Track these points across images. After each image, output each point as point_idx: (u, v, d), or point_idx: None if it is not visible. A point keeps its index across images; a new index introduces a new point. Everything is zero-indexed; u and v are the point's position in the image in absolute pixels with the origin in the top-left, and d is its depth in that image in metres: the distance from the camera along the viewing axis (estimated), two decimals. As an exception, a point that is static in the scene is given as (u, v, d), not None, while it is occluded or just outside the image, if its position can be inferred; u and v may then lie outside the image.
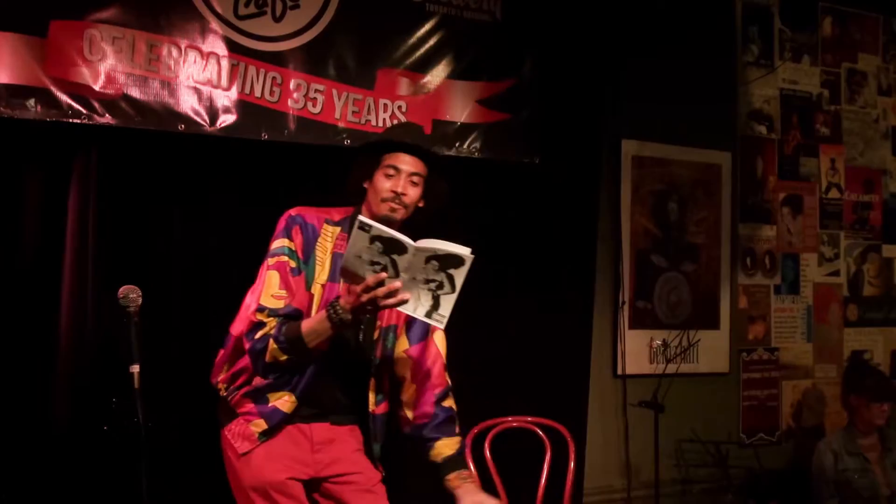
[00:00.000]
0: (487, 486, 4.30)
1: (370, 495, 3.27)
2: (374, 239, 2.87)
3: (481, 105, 4.76)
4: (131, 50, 3.99)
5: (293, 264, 3.12)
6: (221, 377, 3.24)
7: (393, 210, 3.16)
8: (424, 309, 3.02)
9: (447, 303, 3.03)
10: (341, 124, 4.41)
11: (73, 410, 3.92)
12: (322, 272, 3.15)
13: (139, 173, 4.08)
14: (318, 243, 3.17)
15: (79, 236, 3.97)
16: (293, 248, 3.14)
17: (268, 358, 3.06)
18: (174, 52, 4.08)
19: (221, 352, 3.27)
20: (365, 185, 3.22)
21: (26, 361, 3.89)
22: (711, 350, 5.78)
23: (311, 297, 3.14)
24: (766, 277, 6.09)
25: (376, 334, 3.26)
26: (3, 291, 3.85)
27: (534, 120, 4.89)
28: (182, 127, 4.10)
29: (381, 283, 2.90)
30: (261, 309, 3.08)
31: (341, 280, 3.05)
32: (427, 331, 3.38)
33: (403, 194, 3.16)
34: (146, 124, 4.03)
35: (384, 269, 2.91)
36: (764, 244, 6.07)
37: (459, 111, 4.72)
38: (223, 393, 3.23)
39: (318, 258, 3.16)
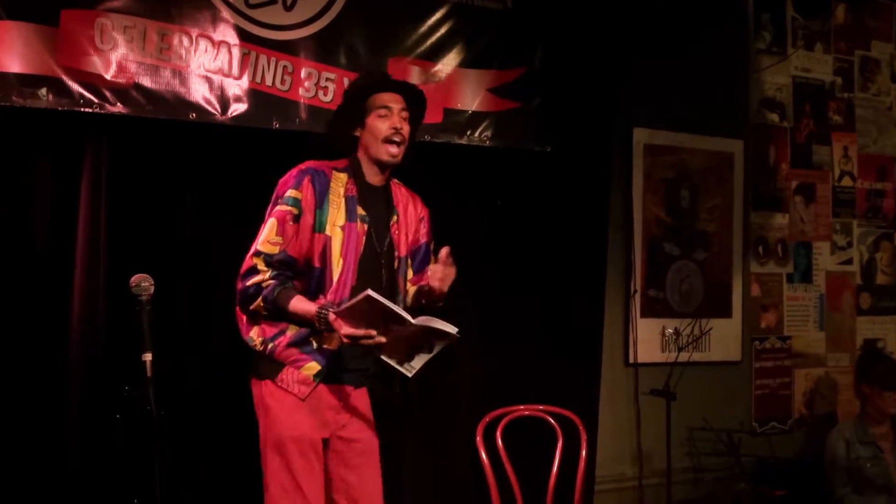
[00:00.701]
0: (499, 475, 4.31)
1: (367, 457, 3.51)
2: (376, 309, 3.10)
3: (492, 93, 4.75)
4: (142, 39, 4.00)
5: (295, 212, 3.32)
6: (254, 333, 3.37)
7: (393, 155, 3.42)
8: (396, 360, 3.29)
9: (420, 360, 3.32)
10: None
11: (86, 399, 3.93)
12: (339, 214, 3.36)
13: (150, 162, 4.08)
14: (330, 188, 3.35)
15: (90, 225, 3.98)
16: (298, 198, 3.32)
17: (252, 307, 3.31)
18: (185, 41, 4.08)
19: (238, 308, 3.41)
20: (357, 133, 3.44)
21: (39, 350, 3.91)
22: (723, 338, 5.77)
23: (329, 238, 3.33)
24: (778, 266, 6.07)
25: (396, 264, 3.53)
26: (16, 281, 3.86)
27: (545, 108, 4.88)
28: (193, 116, 4.10)
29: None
30: (257, 253, 3.30)
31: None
32: (428, 261, 3.64)
33: (400, 129, 3.41)
34: (157, 113, 4.04)
35: (376, 326, 3.15)
36: (776, 232, 6.05)
37: (470, 99, 4.71)
38: (259, 348, 3.36)
39: (332, 201, 3.36)
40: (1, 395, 3.79)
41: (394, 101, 3.43)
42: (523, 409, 4.50)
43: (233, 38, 4.16)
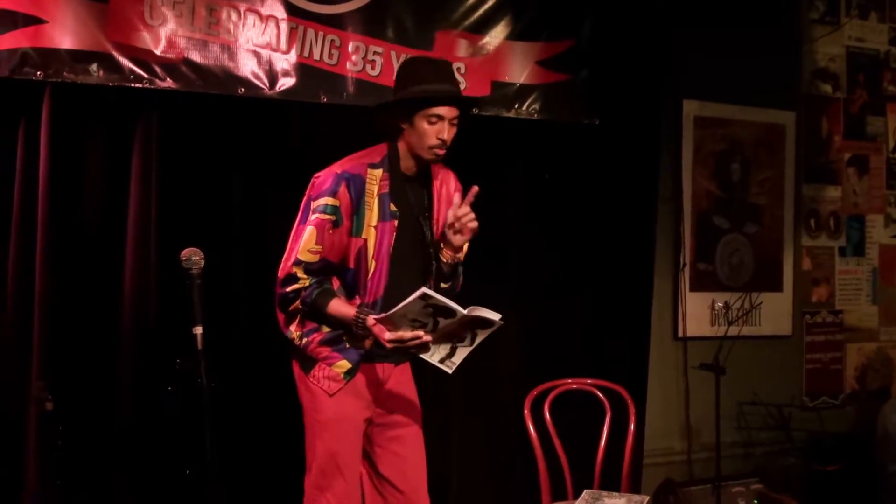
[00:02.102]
0: (547, 449, 4.32)
1: (411, 431, 3.55)
2: (428, 306, 3.10)
3: (540, 66, 4.73)
4: (191, 14, 4.02)
5: (333, 219, 3.29)
6: (293, 327, 3.38)
7: (438, 156, 3.35)
8: (439, 356, 3.31)
9: (461, 354, 3.33)
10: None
11: (138, 371, 3.99)
12: (372, 215, 3.32)
13: (200, 136, 4.11)
14: (366, 190, 3.32)
15: (141, 200, 4.02)
16: (337, 206, 3.29)
17: (291, 308, 3.32)
18: (234, 16, 4.09)
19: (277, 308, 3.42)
20: (403, 126, 3.36)
21: (93, 324, 3.96)
22: (774, 312, 5.73)
23: (364, 241, 3.31)
24: (830, 239, 6.00)
25: (432, 249, 3.48)
26: (70, 256, 3.91)
27: (593, 80, 4.84)
28: (242, 90, 4.12)
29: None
30: (297, 262, 3.27)
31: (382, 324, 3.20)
32: None
33: (447, 140, 3.32)
34: (206, 88, 4.06)
35: (423, 325, 3.15)
36: (828, 205, 5.99)
37: (518, 72, 4.68)
38: (298, 343, 3.37)
39: (367, 203, 3.32)
40: (56, 369, 3.85)
41: (448, 111, 3.32)
42: (571, 383, 4.49)
43: (280, 12, 4.17)
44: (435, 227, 3.48)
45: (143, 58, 3.94)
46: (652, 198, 5.15)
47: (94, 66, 3.86)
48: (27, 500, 3.85)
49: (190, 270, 3.02)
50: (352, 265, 3.33)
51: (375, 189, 3.33)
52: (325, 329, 3.33)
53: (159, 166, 4.05)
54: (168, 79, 3.98)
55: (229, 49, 4.09)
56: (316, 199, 3.31)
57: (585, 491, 4.14)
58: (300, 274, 3.27)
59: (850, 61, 6.04)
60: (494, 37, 4.62)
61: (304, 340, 3.35)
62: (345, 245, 3.31)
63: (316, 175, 3.38)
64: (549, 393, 4.42)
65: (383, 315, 3.15)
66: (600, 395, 4.42)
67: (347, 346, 3.33)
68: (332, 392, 3.34)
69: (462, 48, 4.54)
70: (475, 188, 3.37)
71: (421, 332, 3.15)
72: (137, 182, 4.02)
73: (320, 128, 4.30)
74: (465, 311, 3.12)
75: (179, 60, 4.00)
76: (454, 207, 3.38)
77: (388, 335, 3.14)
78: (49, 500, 3.83)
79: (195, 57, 4.03)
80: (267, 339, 3.98)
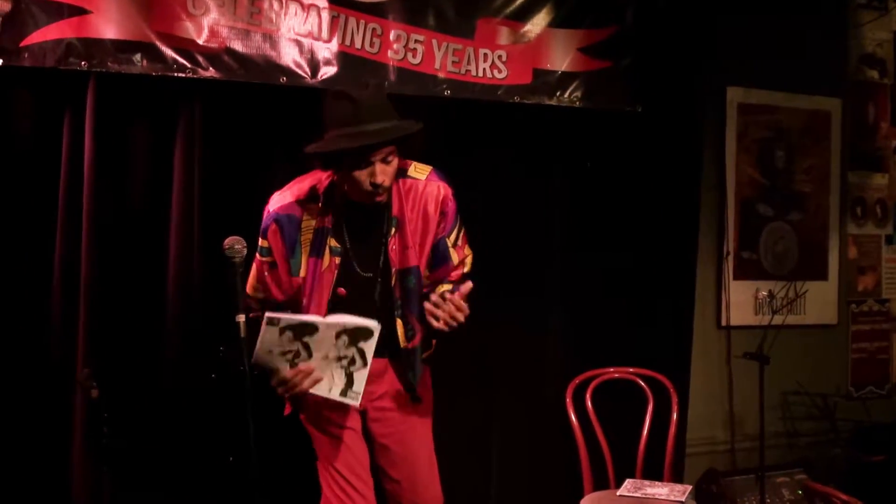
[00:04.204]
0: (589, 437, 4.31)
1: (408, 424, 3.42)
2: (283, 330, 2.99)
3: (582, 53, 4.70)
4: (233, 3, 4.03)
5: (269, 261, 3.26)
6: None
7: (379, 199, 3.14)
8: (339, 388, 3.14)
9: (360, 378, 3.13)
10: (441, 75, 4.40)
11: (182, 359, 4.02)
12: (306, 251, 3.24)
13: (242, 125, 4.13)
14: (301, 229, 3.22)
15: (184, 189, 4.04)
16: (269, 248, 3.25)
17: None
18: (275, 5, 4.11)
19: None
20: (333, 170, 3.19)
21: (137, 312, 4.00)
22: (819, 301, 5.67)
23: (303, 279, 3.24)
24: (876, 227, 5.93)
25: (393, 281, 3.28)
26: (114, 244, 3.95)
27: (636, 67, 4.81)
28: (284, 79, 4.13)
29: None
30: (247, 295, 3.28)
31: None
32: (446, 257, 3.42)
33: (382, 182, 3.10)
34: (249, 77, 4.08)
35: (297, 355, 3.04)
36: (875, 193, 5.91)
37: (560, 60, 4.66)
38: None
39: (302, 241, 3.23)
40: (102, 357, 3.89)
41: (376, 154, 3.07)
42: (613, 372, 4.47)
43: (322, 0, 4.17)
44: (403, 254, 3.28)
45: (186, 47, 3.96)
46: (695, 186, 5.11)
47: (137, 56, 3.89)
48: (74, 487, 3.90)
49: (233, 259, 3.03)
50: (303, 302, 3.26)
51: (313, 223, 3.22)
52: None
53: (202, 155, 4.07)
54: (210, 68, 4.01)
55: (271, 38, 4.10)
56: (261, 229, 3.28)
57: (628, 480, 4.14)
58: (254, 305, 3.28)
59: (897, 46, 5.97)
60: (536, 24, 4.60)
61: None
62: (288, 285, 3.26)
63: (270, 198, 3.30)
64: (590, 382, 4.41)
65: (254, 363, 3.01)
66: (642, 383, 4.41)
67: None
68: (286, 413, 3.36)
69: (503, 36, 4.52)
70: (467, 286, 3.17)
71: (302, 366, 3.05)
72: (180, 171, 4.05)
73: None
74: (323, 319, 3.04)
75: (222, 50, 4.02)
76: (432, 305, 3.12)
77: (274, 384, 3.09)
78: (95, 487, 3.87)
79: (237, 46, 4.04)
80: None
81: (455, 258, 3.42)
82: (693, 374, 5.12)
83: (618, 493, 4.03)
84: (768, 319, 5.31)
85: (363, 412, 3.37)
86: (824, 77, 5.67)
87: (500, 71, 4.50)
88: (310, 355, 3.06)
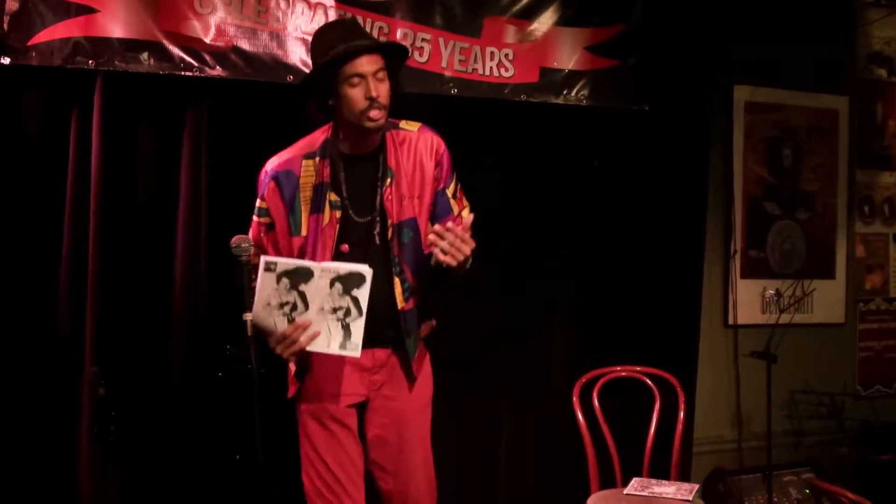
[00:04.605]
0: (596, 436, 4.31)
1: (408, 415, 3.36)
2: (280, 276, 2.97)
3: (589, 51, 4.69)
4: (240, 2, 4.04)
5: (267, 222, 3.23)
6: None
7: (374, 119, 3.09)
8: (337, 342, 3.06)
9: (357, 329, 3.05)
10: (448, 73, 4.40)
11: (189, 357, 4.02)
12: (306, 208, 3.20)
13: (249, 124, 4.13)
14: (300, 185, 3.19)
15: (192, 186, 4.05)
16: (267, 208, 3.22)
17: None
18: (282, 4, 4.11)
19: None
20: (331, 103, 3.16)
21: (144, 311, 4.01)
22: (827, 300, 5.67)
23: (303, 239, 3.19)
24: (884, 226, 5.92)
25: (389, 233, 3.24)
26: (121, 242, 3.95)
27: (643, 66, 4.80)
28: (291, 78, 4.13)
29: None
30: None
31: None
32: (448, 209, 3.35)
33: (378, 96, 3.07)
34: (256, 76, 4.08)
35: (294, 307, 3.00)
36: (883, 191, 5.90)
37: (567, 58, 4.65)
38: None
39: (301, 199, 3.20)
40: (109, 355, 3.89)
41: (368, 65, 3.05)
42: (620, 370, 4.47)
43: (329, -1, 4.19)
44: (400, 206, 3.23)
45: (193, 46, 3.97)
46: (702, 184, 5.11)
47: (144, 55, 3.89)
48: (82, 485, 3.91)
49: (240, 257, 3.03)
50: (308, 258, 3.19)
51: (311, 180, 3.18)
52: None
53: (209, 153, 4.08)
54: (217, 67, 4.01)
55: (278, 37, 4.11)
56: (258, 193, 3.25)
57: (634, 479, 4.14)
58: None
59: (905, 45, 5.95)
60: (543, 23, 4.59)
61: None
62: (287, 246, 3.21)
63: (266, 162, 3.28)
64: (597, 380, 4.41)
65: (253, 323, 2.97)
66: (649, 382, 4.41)
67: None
68: (289, 397, 3.30)
69: (510, 34, 4.52)
70: (469, 219, 3.09)
71: (299, 321, 2.99)
72: (188, 169, 4.05)
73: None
74: (318, 264, 3.00)
75: (229, 48, 4.02)
76: (436, 234, 3.04)
77: (272, 343, 3.01)
78: (102, 484, 3.88)
79: (244, 45, 4.05)
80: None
81: (456, 209, 3.36)
82: (700, 372, 5.11)
83: (625, 492, 4.03)
84: (776, 318, 5.30)
85: (362, 404, 3.33)
86: (832, 75, 5.66)
87: (506, 69, 4.50)
88: (306, 307, 3.01)
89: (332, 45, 3.09)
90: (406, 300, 3.27)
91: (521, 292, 4.65)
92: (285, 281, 2.99)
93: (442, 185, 3.33)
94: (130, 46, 3.87)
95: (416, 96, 4.18)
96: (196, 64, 3.97)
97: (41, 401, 3.86)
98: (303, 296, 3.01)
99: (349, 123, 3.14)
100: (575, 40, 4.66)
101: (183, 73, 3.96)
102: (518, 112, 4.57)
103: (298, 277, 3.00)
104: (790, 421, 5.59)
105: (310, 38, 4.06)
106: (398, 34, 4.29)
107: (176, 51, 3.94)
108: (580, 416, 4.33)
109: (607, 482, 4.31)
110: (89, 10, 3.82)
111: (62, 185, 3.89)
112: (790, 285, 5.42)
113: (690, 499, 3.90)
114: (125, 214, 3.98)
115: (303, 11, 4.14)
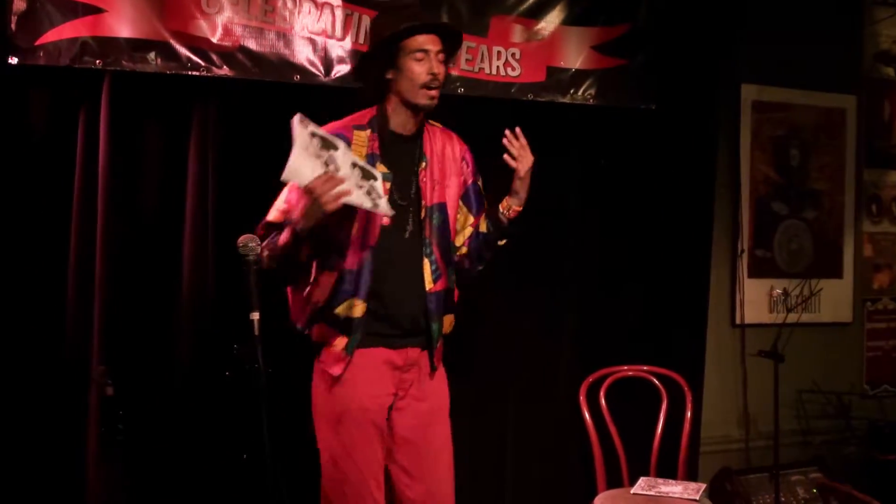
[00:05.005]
0: (603, 435, 4.30)
1: (434, 415, 3.40)
2: (313, 134, 3.01)
3: (596, 51, 4.69)
4: (247, 2, 4.04)
5: None
6: (297, 317, 3.34)
7: (432, 97, 3.25)
8: (369, 202, 3.10)
9: (383, 203, 3.14)
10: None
11: (196, 357, 4.03)
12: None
13: (256, 123, 4.13)
14: (352, 149, 3.21)
15: (199, 186, 4.05)
16: None
17: (266, 266, 3.13)
18: (289, 4, 4.11)
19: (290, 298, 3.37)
20: (389, 77, 3.26)
21: (151, 310, 4.01)
22: (834, 299, 5.66)
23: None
24: (892, 225, 5.92)
25: (423, 214, 3.33)
26: (128, 242, 3.96)
27: (650, 65, 4.80)
28: (297, 77, 4.14)
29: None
30: (264, 226, 3.22)
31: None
32: (481, 199, 3.55)
33: (438, 74, 3.23)
34: (262, 75, 4.09)
35: (326, 163, 3.02)
36: (890, 190, 5.90)
37: (574, 57, 4.65)
38: (306, 332, 3.33)
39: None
40: (116, 354, 3.90)
41: (431, 44, 3.22)
42: (627, 370, 4.47)
43: (336, -1, 4.19)
44: (433, 189, 3.36)
45: (200, 46, 3.97)
46: (709, 183, 5.10)
47: (151, 55, 3.90)
48: (89, 485, 3.91)
49: (247, 257, 3.03)
50: (337, 231, 3.20)
51: (363, 150, 3.24)
52: (317, 300, 3.23)
53: (216, 153, 4.08)
54: (224, 66, 4.02)
55: (285, 36, 4.11)
56: None
57: (642, 478, 4.13)
58: (259, 232, 3.18)
59: (913, 43, 5.94)
60: (550, 22, 4.59)
61: (308, 329, 3.31)
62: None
63: None
64: (604, 380, 4.41)
65: (288, 168, 2.98)
66: (656, 382, 4.41)
67: (340, 317, 3.22)
68: (336, 374, 3.24)
69: (517, 34, 4.52)
70: (517, 130, 3.38)
71: (332, 175, 3.00)
72: (195, 168, 4.06)
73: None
74: (342, 143, 3.06)
75: (236, 48, 4.03)
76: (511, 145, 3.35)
77: (306, 187, 2.99)
78: (110, 484, 3.89)
79: (251, 44, 4.05)
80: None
81: (484, 202, 3.54)
82: (707, 372, 5.11)
83: (632, 492, 4.03)
84: (783, 317, 5.29)
85: (389, 406, 3.33)
86: (839, 74, 5.65)
87: (513, 69, 4.50)
88: (336, 169, 3.05)
89: (400, 20, 3.22)
90: (434, 282, 3.33)
91: (527, 292, 4.65)
92: (316, 141, 3.02)
93: (473, 179, 3.50)
94: (138, 46, 3.88)
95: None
96: (203, 63, 3.98)
97: (49, 400, 3.87)
98: (332, 159, 3.04)
99: (402, 100, 3.27)
100: (582, 39, 4.66)
101: (190, 72, 3.97)
102: (525, 111, 4.56)
103: (327, 142, 3.04)
104: (797, 420, 5.59)
105: (316, 38, 4.13)
106: (405, 33, 4.28)
107: (183, 50, 3.94)
108: (587, 415, 4.32)
109: (614, 481, 4.30)
110: (97, 10, 3.82)
111: (70, 185, 3.90)
112: (797, 285, 5.42)
113: (697, 498, 3.90)
114: (132, 214, 3.98)
115: (310, 11, 4.15)
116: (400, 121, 3.31)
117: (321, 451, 3.34)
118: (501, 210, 3.42)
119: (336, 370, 3.26)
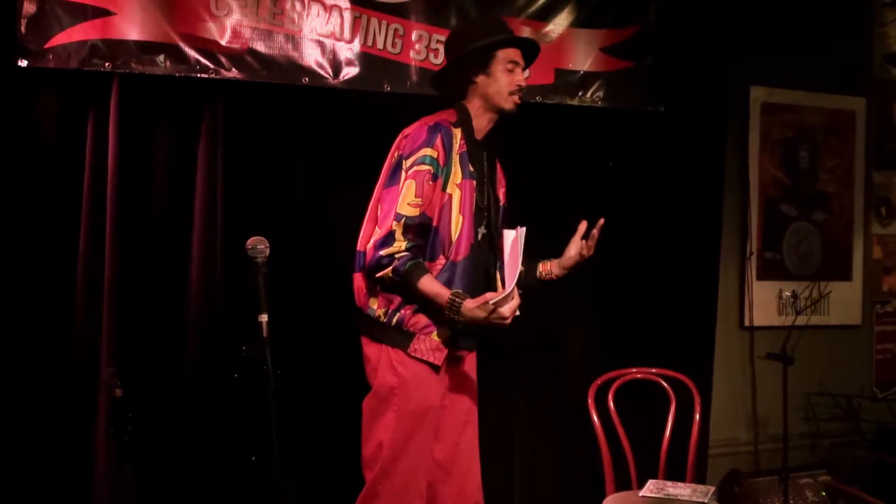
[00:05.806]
0: (611, 438, 4.30)
1: (469, 417, 3.56)
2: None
3: (605, 53, 4.69)
4: (256, 4, 4.05)
5: (432, 171, 3.28)
6: (376, 304, 3.35)
7: (516, 103, 3.44)
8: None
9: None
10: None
11: (205, 358, 4.03)
12: (456, 172, 3.33)
13: (265, 126, 4.14)
14: (452, 145, 3.33)
15: (208, 188, 4.06)
16: (434, 157, 3.28)
17: (380, 275, 3.25)
18: (298, 6, 4.12)
19: (357, 275, 3.40)
20: (477, 80, 3.41)
21: (160, 312, 4.02)
22: (843, 302, 5.65)
23: (450, 196, 3.31)
24: (902, 227, 5.91)
25: (502, 213, 3.58)
26: (137, 244, 3.96)
27: (658, 67, 4.80)
28: (306, 80, 4.14)
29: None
30: (398, 217, 3.24)
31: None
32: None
33: (522, 85, 3.44)
34: (271, 78, 4.09)
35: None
36: (900, 192, 5.89)
37: (582, 59, 4.65)
38: (383, 319, 3.33)
39: (453, 159, 3.33)
40: (125, 356, 3.91)
41: (519, 57, 3.44)
42: (636, 372, 4.47)
43: (344, 1, 4.18)
44: (501, 197, 3.58)
45: (209, 48, 3.98)
46: (718, 185, 5.10)
47: (161, 58, 3.91)
48: (98, 486, 3.92)
49: (255, 259, 3.04)
50: (435, 223, 3.30)
51: (457, 146, 3.35)
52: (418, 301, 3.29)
53: (225, 155, 4.08)
54: (233, 69, 4.02)
55: (293, 39, 4.12)
56: (410, 154, 3.30)
57: (650, 480, 4.13)
58: (398, 234, 3.22)
59: (922, 45, 5.93)
60: (558, 24, 4.59)
61: (397, 316, 3.30)
62: (437, 200, 3.30)
63: (404, 132, 3.40)
64: (613, 382, 4.40)
65: (484, 300, 3.14)
66: (665, 384, 4.40)
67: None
68: (438, 363, 3.30)
69: (525, 35, 4.51)
70: (601, 221, 3.61)
71: (516, 296, 3.22)
72: (204, 171, 4.06)
73: (384, 116, 4.30)
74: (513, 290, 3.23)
75: (244, 51, 4.03)
76: (581, 239, 3.61)
77: (494, 316, 3.15)
78: (119, 485, 3.89)
79: (260, 47, 4.06)
80: (332, 326, 4.01)
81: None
82: (716, 374, 5.10)
83: (640, 494, 4.03)
84: (792, 320, 5.28)
85: None
86: (848, 76, 5.64)
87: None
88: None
89: (493, 31, 3.45)
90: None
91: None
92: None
93: (504, 202, 3.68)
94: (147, 49, 3.89)
95: (433, 97, 4.19)
96: (212, 66, 3.98)
97: (58, 402, 3.87)
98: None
99: (486, 104, 3.45)
100: (590, 41, 4.66)
101: (199, 75, 3.97)
102: (533, 113, 4.56)
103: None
104: (806, 423, 5.57)
105: (324, 40, 4.15)
106: (413, 36, 4.30)
107: (192, 53, 3.95)
108: (595, 417, 4.32)
109: (623, 484, 4.30)
110: (106, 13, 3.83)
111: (79, 187, 3.90)
112: (806, 287, 5.40)
113: (706, 501, 3.89)
114: (141, 216, 3.99)
115: (318, 13, 4.15)
116: (480, 124, 3.47)
117: (382, 441, 3.35)
118: (541, 271, 3.63)
119: (437, 359, 3.32)
